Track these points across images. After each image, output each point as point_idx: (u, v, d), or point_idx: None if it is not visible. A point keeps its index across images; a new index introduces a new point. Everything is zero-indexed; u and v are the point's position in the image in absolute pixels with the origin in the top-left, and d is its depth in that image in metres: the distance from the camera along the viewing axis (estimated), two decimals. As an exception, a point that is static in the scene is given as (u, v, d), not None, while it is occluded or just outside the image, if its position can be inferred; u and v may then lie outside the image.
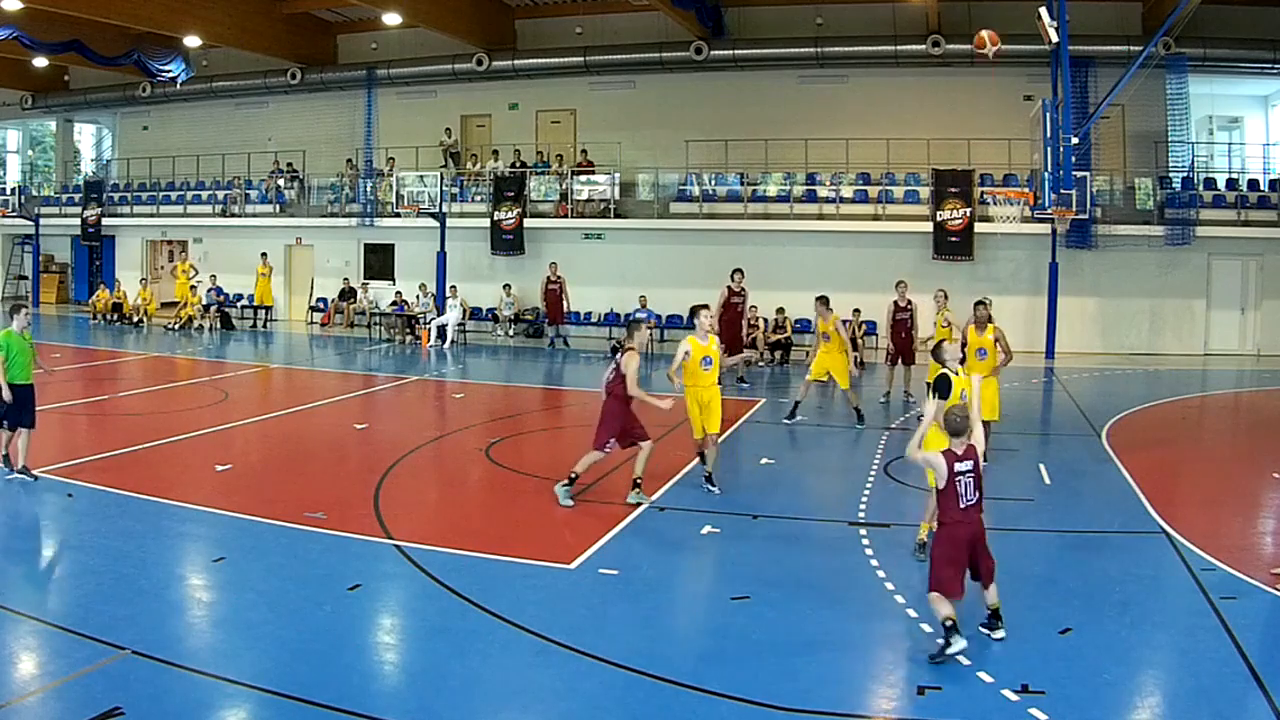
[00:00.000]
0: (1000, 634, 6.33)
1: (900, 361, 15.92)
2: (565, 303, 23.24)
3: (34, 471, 9.76)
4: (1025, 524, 8.85)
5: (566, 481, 9.42)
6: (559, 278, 23.20)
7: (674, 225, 24.22)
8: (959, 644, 6.00)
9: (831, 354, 13.79)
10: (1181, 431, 14.39)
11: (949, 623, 6.03)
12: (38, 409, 10.06)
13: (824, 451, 12.90)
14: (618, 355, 9.50)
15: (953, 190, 22.06)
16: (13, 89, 32.22)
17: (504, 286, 24.85)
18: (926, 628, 6.46)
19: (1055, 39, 17.70)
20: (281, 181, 28.56)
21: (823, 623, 6.73)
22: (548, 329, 23.89)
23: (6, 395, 9.51)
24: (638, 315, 22.69)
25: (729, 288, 17.57)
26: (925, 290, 21.77)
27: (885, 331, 16.90)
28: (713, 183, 24.74)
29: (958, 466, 6.28)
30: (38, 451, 10.01)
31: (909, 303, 15.97)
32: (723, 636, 6.52)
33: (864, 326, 21.17)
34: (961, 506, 6.26)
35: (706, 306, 10.20)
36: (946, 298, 14.11)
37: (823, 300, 14.02)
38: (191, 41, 26.22)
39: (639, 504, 9.31)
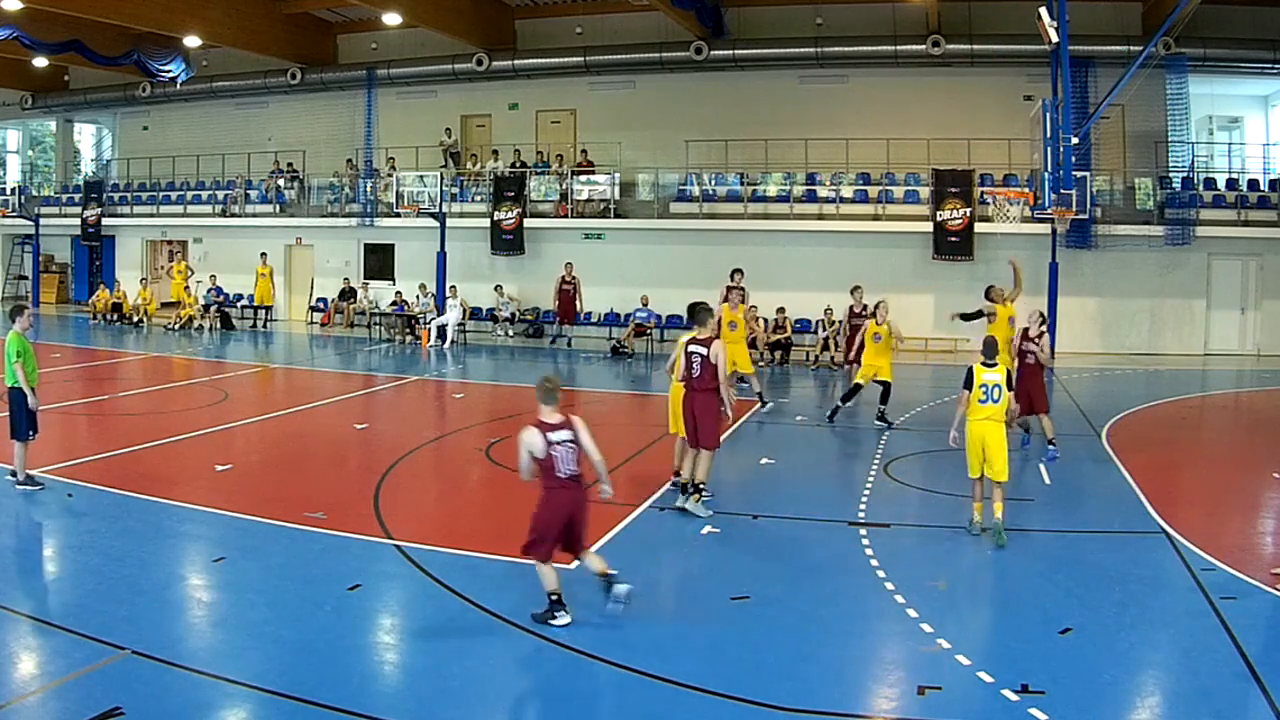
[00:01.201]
0: (624, 587, 6.47)
1: (854, 362, 16.03)
2: (579, 304, 23.24)
3: (31, 473, 9.71)
4: (1025, 524, 8.84)
5: (697, 495, 9.10)
6: (574, 278, 23.13)
7: (674, 225, 24.21)
8: (564, 619, 6.37)
9: (737, 343, 14.15)
10: (1181, 431, 14.39)
11: (554, 597, 6.42)
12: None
13: (824, 451, 12.91)
14: (690, 345, 9.08)
15: (953, 190, 22.07)
16: (13, 89, 32.21)
17: (496, 287, 24.86)
18: (927, 628, 6.46)
19: (1055, 39, 17.72)
20: (281, 181, 28.55)
21: (822, 622, 6.73)
22: (552, 329, 23.88)
23: (33, 402, 9.42)
24: (638, 314, 22.74)
25: (729, 287, 17.56)
26: (926, 289, 22.03)
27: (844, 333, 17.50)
28: (713, 183, 24.73)
29: (551, 436, 6.44)
30: (38, 452, 10.00)
31: (865, 306, 16.11)
32: (723, 636, 6.51)
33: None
34: (561, 475, 6.45)
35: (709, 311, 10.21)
36: (886, 310, 14.20)
37: (740, 290, 14.75)
38: (191, 41, 26.24)
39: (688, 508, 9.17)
